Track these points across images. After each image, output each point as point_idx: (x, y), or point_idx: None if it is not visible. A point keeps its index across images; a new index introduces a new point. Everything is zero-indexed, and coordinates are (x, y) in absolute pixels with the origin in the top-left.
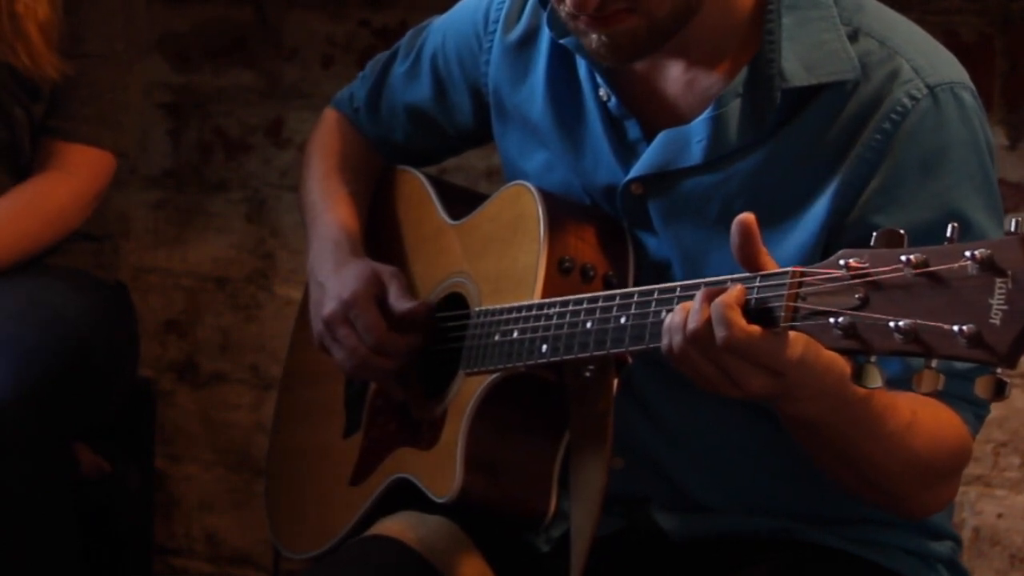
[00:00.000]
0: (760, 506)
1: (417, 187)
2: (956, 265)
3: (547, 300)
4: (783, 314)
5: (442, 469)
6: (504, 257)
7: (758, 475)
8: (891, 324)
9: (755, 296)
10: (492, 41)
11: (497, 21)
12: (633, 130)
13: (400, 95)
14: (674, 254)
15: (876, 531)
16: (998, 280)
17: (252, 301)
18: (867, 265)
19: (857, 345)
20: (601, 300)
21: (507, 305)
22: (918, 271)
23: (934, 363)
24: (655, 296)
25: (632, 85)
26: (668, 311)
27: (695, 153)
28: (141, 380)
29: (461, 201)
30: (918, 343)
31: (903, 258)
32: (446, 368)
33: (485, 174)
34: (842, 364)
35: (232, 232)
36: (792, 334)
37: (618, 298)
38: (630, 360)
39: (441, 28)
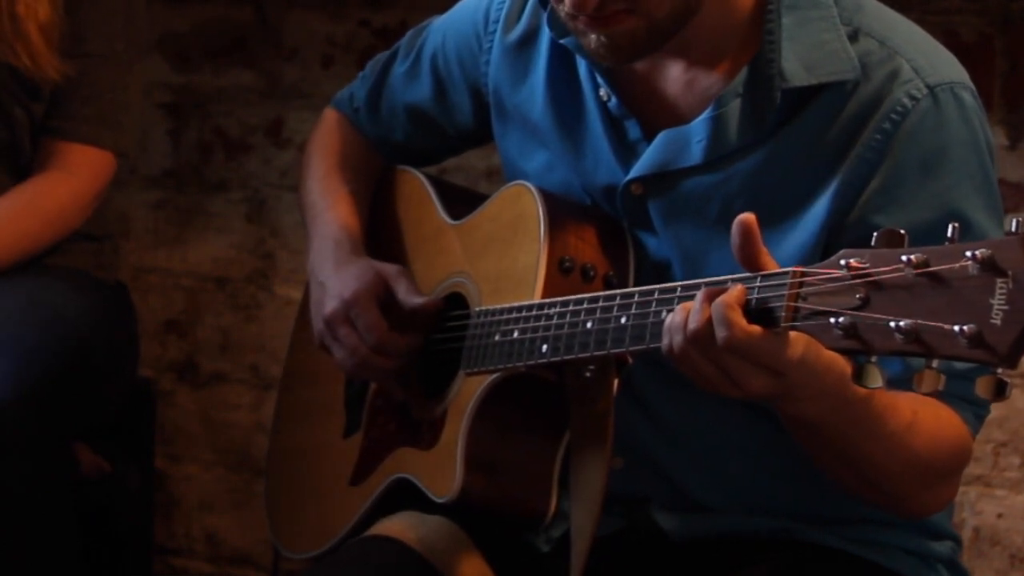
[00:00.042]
0: (760, 506)
1: (417, 187)
2: (957, 265)
3: (547, 300)
4: (784, 314)
5: (442, 469)
6: (504, 257)
7: (758, 475)
8: (892, 324)
9: (756, 296)
10: (492, 41)
11: (497, 21)
12: (633, 130)
13: (400, 95)
14: (674, 254)
15: (876, 531)
16: (999, 280)
17: (252, 301)
18: (868, 265)
19: (858, 345)
20: (601, 300)
21: (507, 305)
22: (919, 271)
23: (935, 363)
24: (655, 296)
25: (632, 85)
26: (668, 311)
27: (695, 153)
28: (141, 380)
29: (461, 201)
30: (919, 343)
31: (904, 258)
32: (446, 368)
33: (485, 174)
34: (842, 364)
35: (232, 232)
36: (793, 334)
37: (618, 298)
38: (630, 360)
39: (441, 28)
